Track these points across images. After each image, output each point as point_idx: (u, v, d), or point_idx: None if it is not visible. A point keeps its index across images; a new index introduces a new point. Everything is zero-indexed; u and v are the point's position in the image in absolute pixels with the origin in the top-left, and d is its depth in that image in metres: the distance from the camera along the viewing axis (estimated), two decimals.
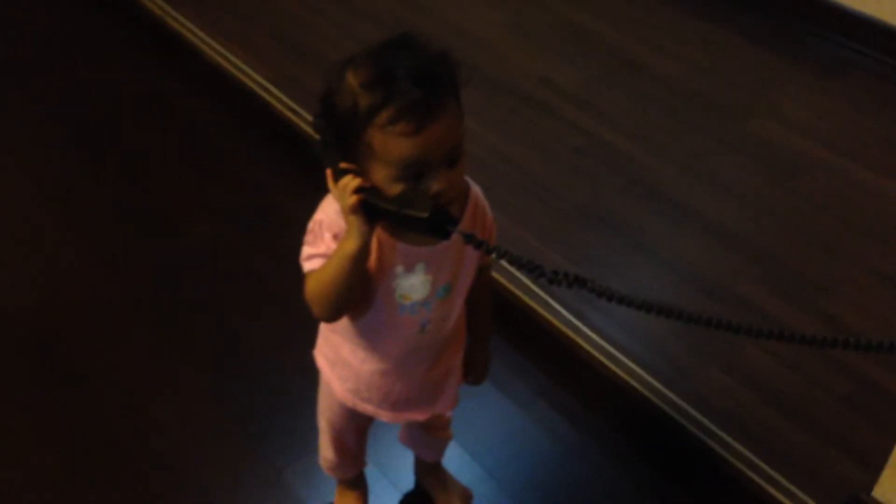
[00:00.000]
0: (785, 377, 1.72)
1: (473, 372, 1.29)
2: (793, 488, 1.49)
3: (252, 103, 2.46)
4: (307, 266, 1.05)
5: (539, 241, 1.99)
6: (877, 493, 1.31)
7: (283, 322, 1.87)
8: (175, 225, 2.15)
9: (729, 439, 1.57)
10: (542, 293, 1.84)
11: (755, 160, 2.34)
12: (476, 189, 1.09)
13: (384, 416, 1.22)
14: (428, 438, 1.45)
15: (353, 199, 0.93)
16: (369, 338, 1.13)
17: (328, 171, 0.98)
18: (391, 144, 0.92)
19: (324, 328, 1.21)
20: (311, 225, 1.05)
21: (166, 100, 2.56)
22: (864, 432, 1.61)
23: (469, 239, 0.95)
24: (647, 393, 1.66)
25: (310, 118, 2.32)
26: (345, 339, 1.16)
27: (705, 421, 1.61)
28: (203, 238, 2.11)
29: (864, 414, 1.65)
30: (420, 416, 1.25)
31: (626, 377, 1.69)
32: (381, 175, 0.94)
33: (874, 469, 1.32)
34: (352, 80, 0.94)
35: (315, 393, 1.31)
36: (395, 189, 0.94)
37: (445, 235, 0.95)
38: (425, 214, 0.93)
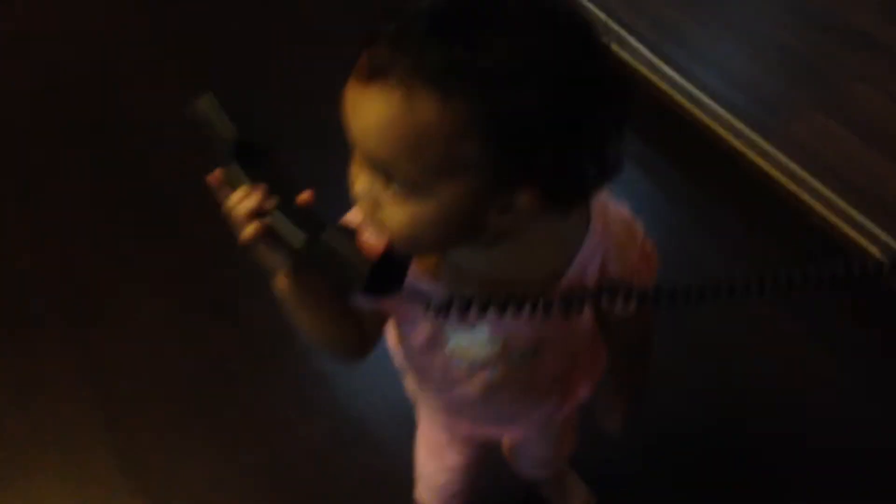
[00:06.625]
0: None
1: (610, 421, 0.94)
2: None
3: None
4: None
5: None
6: None
7: None
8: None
9: (821, 186, 1.47)
10: (619, 29, 1.71)
11: None
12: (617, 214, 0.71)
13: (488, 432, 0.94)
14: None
15: (250, 229, 0.61)
16: (422, 374, 0.84)
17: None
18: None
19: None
20: None
21: None
22: None
23: (452, 306, 0.60)
24: (736, 142, 1.56)
25: None
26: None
27: (797, 168, 1.50)
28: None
29: None
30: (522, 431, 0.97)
31: (712, 123, 1.58)
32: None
33: None
34: None
35: None
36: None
37: (376, 289, 0.59)
38: (302, 239, 0.58)
